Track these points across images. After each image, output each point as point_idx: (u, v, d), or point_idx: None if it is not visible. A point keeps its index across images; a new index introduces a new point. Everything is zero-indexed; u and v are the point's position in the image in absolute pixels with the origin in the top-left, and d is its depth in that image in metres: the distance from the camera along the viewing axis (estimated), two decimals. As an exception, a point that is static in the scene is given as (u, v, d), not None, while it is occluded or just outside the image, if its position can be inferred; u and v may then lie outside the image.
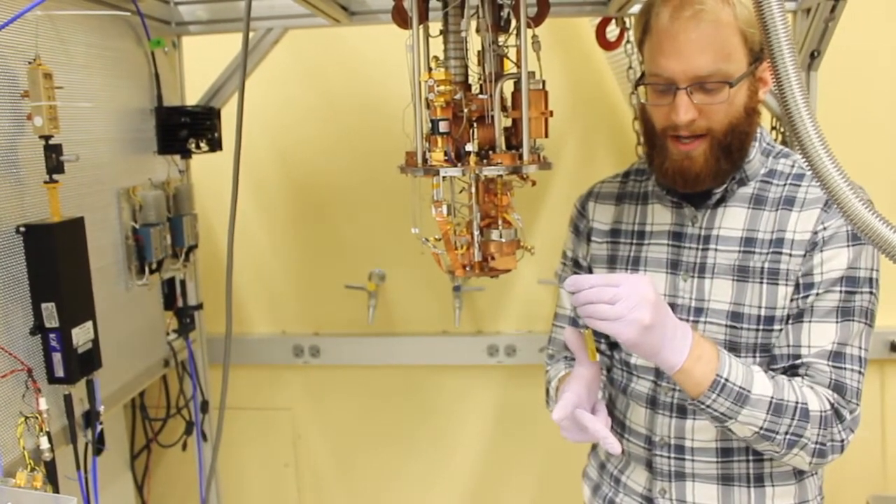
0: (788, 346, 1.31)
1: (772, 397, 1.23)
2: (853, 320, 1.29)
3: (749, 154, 1.35)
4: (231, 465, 2.51)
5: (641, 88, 1.34)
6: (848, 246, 1.28)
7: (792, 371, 1.31)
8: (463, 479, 2.54)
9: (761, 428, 1.23)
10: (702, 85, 1.24)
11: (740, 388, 1.22)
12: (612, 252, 1.49)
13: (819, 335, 1.29)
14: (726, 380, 1.22)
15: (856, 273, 1.28)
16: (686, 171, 1.31)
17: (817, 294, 1.29)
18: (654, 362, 1.25)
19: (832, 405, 1.27)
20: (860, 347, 1.30)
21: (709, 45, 1.23)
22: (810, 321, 1.29)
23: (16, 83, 1.34)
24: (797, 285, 1.30)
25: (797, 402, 1.24)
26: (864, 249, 1.28)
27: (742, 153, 1.32)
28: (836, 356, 1.28)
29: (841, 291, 1.28)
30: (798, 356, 1.30)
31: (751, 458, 1.38)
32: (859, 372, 1.29)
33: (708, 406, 1.23)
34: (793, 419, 1.23)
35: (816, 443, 1.25)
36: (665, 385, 1.40)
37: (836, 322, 1.28)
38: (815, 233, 1.29)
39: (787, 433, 1.24)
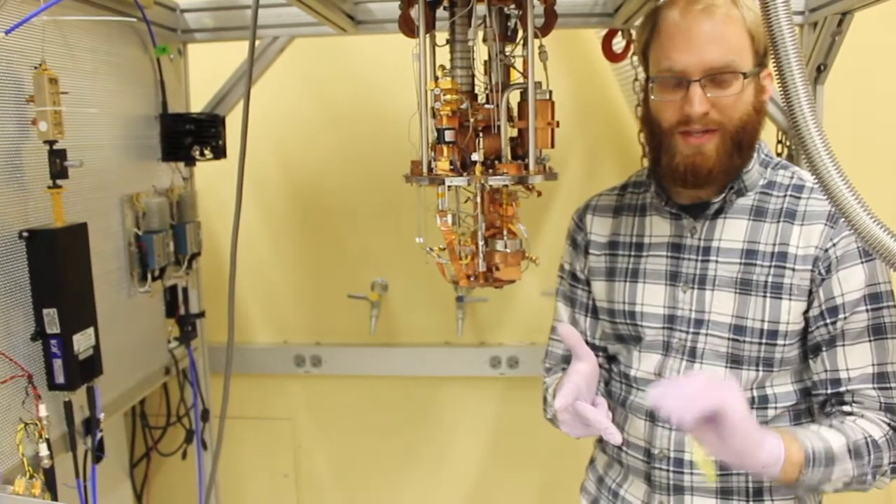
0: (826, 371, 1.31)
1: (846, 444, 1.23)
2: (886, 337, 1.29)
3: (747, 164, 1.34)
4: (231, 475, 2.50)
5: (653, 86, 1.32)
6: (862, 263, 1.28)
7: (838, 399, 1.31)
8: (463, 490, 2.52)
9: (853, 477, 1.24)
10: (714, 77, 1.24)
11: (824, 451, 1.22)
12: (611, 264, 1.48)
13: (855, 358, 1.29)
14: (812, 450, 1.21)
15: (876, 289, 1.28)
16: (698, 167, 1.29)
17: (845, 318, 1.28)
18: (754, 458, 1.18)
19: (889, 425, 1.27)
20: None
21: (721, 37, 1.24)
22: (843, 345, 1.29)
23: (21, 88, 1.34)
24: (821, 312, 1.30)
25: (865, 438, 1.25)
26: (877, 264, 1.28)
27: (749, 152, 1.32)
28: (881, 378, 1.28)
29: (867, 310, 1.28)
30: (838, 381, 1.30)
31: (749, 472, 1.37)
32: None
33: (805, 481, 1.22)
34: (870, 454, 1.24)
35: (891, 463, 1.27)
36: None
37: (870, 341, 1.28)
38: (826, 251, 1.28)
39: (871, 468, 1.24)
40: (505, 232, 1.27)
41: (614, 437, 1.24)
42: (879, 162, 2.16)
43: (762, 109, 1.31)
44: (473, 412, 2.47)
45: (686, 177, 1.31)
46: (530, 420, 2.36)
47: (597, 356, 1.49)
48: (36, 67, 1.33)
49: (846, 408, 1.30)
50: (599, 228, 1.51)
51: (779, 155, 1.98)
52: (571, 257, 1.57)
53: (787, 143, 1.97)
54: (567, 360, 1.48)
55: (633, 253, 1.46)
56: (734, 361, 1.34)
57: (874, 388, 1.28)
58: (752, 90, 1.28)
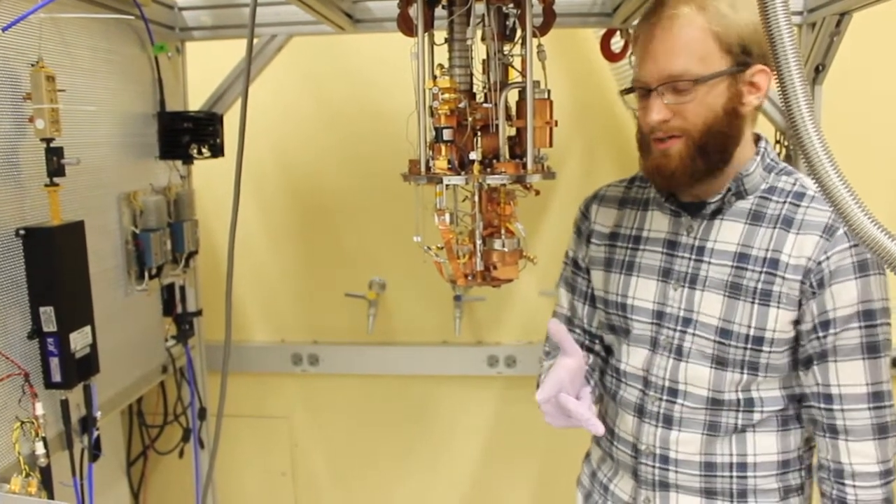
0: (818, 385, 1.31)
1: None
2: (880, 356, 1.28)
3: (748, 168, 1.34)
4: (228, 473, 2.50)
5: (629, 97, 1.37)
6: (855, 278, 1.26)
7: (830, 426, 1.30)
8: (461, 489, 2.52)
9: None
10: (673, 85, 1.26)
11: None
12: (609, 255, 1.50)
13: (848, 374, 1.28)
14: None
15: (871, 306, 1.27)
16: (662, 169, 1.32)
17: (836, 333, 1.28)
18: None
19: (880, 475, 1.28)
20: (888, 381, 1.30)
21: (678, 48, 1.26)
22: (836, 360, 1.29)
23: (18, 85, 1.33)
24: (814, 326, 1.29)
25: None
26: (871, 280, 1.27)
27: (722, 155, 1.32)
28: (875, 397, 1.28)
29: (861, 327, 1.27)
30: (829, 397, 1.30)
31: (734, 474, 1.38)
32: (892, 405, 1.30)
33: None
34: None
35: None
36: (652, 394, 1.41)
37: (864, 359, 1.28)
38: (819, 263, 1.27)
39: None
40: (503, 231, 1.27)
41: (596, 428, 1.29)
42: (878, 162, 2.16)
43: (737, 112, 1.30)
44: (471, 411, 2.47)
45: (655, 177, 1.35)
46: (527, 419, 2.36)
47: (593, 344, 1.57)
48: (33, 65, 1.32)
49: (840, 441, 1.30)
50: (604, 218, 1.53)
51: (777, 155, 1.98)
52: (575, 245, 1.59)
53: (786, 144, 1.97)
54: None
55: (630, 245, 1.47)
56: (719, 363, 1.35)
57: (868, 409, 1.28)
58: (722, 93, 1.27)
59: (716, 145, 1.29)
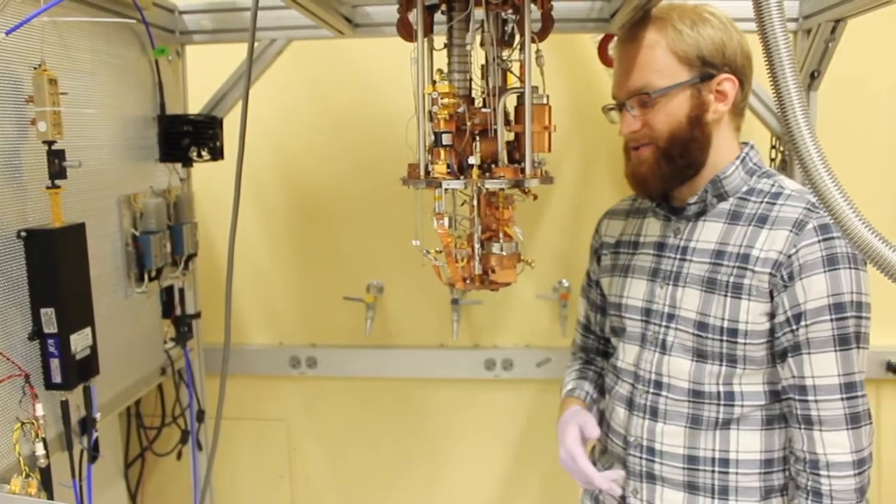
0: (793, 377, 1.34)
1: None
2: (852, 348, 1.31)
3: (727, 170, 1.41)
4: (225, 475, 2.50)
5: (612, 112, 1.49)
6: (825, 272, 1.30)
7: (804, 413, 1.33)
8: (459, 492, 2.52)
9: None
10: (637, 99, 1.39)
11: None
12: (614, 261, 1.59)
13: (821, 366, 1.32)
14: None
15: (840, 299, 1.30)
16: (637, 175, 1.45)
17: (807, 325, 1.31)
18: None
19: (854, 464, 1.31)
20: (861, 372, 1.34)
21: (639, 65, 1.38)
22: (809, 353, 1.32)
23: (20, 88, 1.34)
24: (787, 319, 1.33)
25: None
26: (842, 273, 1.30)
27: (687, 160, 1.40)
28: (847, 388, 1.31)
29: (831, 319, 1.30)
30: (804, 388, 1.33)
31: (716, 469, 1.42)
32: (864, 394, 1.34)
33: None
34: None
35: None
36: (641, 388, 1.48)
37: (836, 351, 1.31)
38: (788, 256, 1.32)
39: None
40: (501, 235, 1.28)
41: (606, 486, 1.47)
42: (873, 168, 2.17)
43: (700, 120, 1.38)
44: (468, 414, 2.47)
45: (631, 183, 1.48)
46: (524, 421, 2.37)
47: (607, 348, 1.72)
48: (35, 68, 1.33)
49: (815, 432, 1.32)
50: (611, 231, 1.64)
51: (772, 160, 2.00)
52: (590, 259, 1.72)
53: (782, 150, 1.98)
54: (584, 349, 1.76)
55: (629, 251, 1.57)
56: (699, 355, 1.41)
57: (841, 399, 1.31)
58: (684, 103, 1.37)
59: (679, 151, 1.39)
